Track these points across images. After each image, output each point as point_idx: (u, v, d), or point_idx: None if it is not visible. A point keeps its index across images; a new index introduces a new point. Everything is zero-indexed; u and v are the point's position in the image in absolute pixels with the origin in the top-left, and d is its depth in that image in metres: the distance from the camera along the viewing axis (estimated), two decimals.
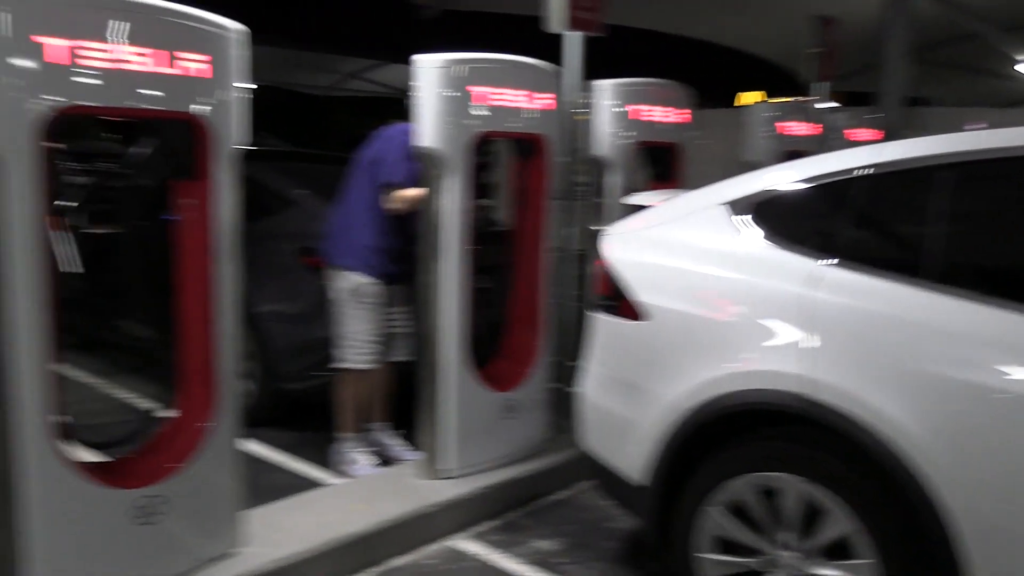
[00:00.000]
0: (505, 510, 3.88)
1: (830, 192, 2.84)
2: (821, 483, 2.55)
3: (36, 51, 2.35)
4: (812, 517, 2.58)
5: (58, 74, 2.40)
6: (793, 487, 2.60)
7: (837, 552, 2.55)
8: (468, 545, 3.60)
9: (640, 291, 2.99)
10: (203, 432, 2.90)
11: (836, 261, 2.65)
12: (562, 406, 4.33)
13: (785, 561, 2.64)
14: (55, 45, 2.37)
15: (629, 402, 3.01)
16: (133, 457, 2.91)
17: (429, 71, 3.51)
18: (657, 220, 3.27)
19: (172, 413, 2.98)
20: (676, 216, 3.20)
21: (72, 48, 2.41)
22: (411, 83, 3.57)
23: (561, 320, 4.38)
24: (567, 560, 3.51)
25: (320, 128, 19.70)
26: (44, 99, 2.39)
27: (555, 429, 4.30)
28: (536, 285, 4.14)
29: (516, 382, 4.06)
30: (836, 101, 7.94)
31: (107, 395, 5.23)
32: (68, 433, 2.64)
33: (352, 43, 13.75)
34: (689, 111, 5.05)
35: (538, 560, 3.49)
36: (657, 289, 2.99)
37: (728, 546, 2.75)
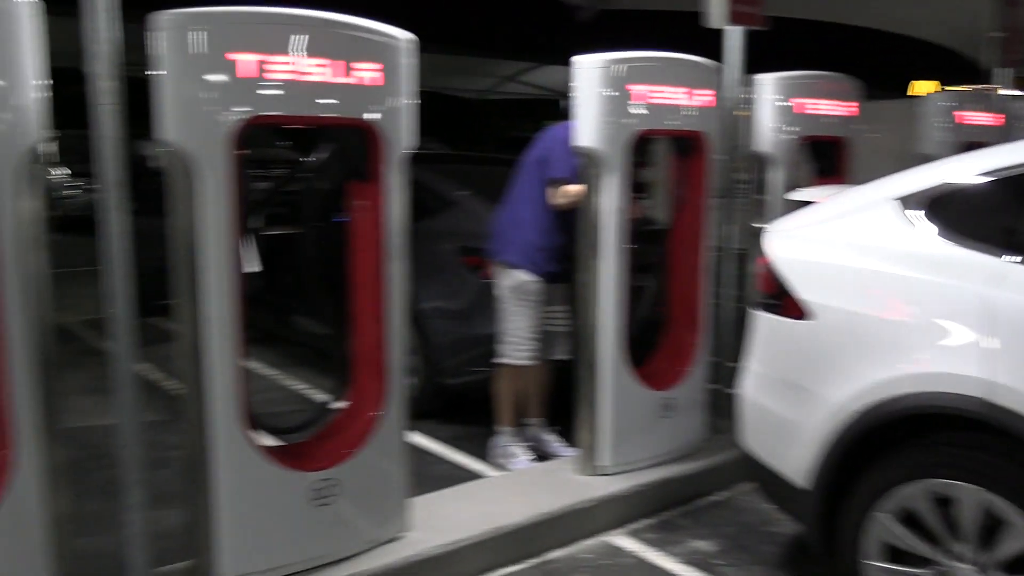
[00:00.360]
0: (661, 509, 3.87)
1: (1014, 185, 2.68)
2: (1002, 493, 2.41)
3: (229, 67, 2.55)
4: (991, 529, 2.45)
5: (247, 87, 2.60)
6: (971, 496, 2.47)
7: (1019, 567, 2.40)
8: (624, 541, 3.62)
9: (804, 289, 2.92)
10: (374, 421, 3.06)
11: (1021, 259, 2.50)
12: (720, 407, 4.27)
13: (960, 574, 2.52)
14: (246, 60, 2.57)
15: (792, 403, 2.95)
16: (311, 442, 3.11)
17: (588, 71, 3.55)
18: (823, 216, 3.17)
19: (345, 403, 3.16)
20: (843, 212, 3.10)
21: (260, 62, 2.61)
22: (570, 84, 3.62)
23: (720, 320, 4.32)
24: (725, 562, 3.46)
25: (476, 131, 20.16)
26: (235, 110, 2.60)
27: (712, 430, 4.25)
28: (695, 284, 4.10)
29: (674, 381, 4.04)
30: (1022, 88, 7.39)
31: (282, 386, 5.58)
32: (253, 419, 2.85)
33: (508, 47, 13.98)
34: (856, 104, 4.86)
35: (695, 560, 3.46)
36: (823, 287, 2.91)
37: (898, 554, 2.65)
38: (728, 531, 3.71)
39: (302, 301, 5.72)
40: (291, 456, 2.94)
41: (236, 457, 2.76)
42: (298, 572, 2.93)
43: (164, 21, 2.50)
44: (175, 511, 2.90)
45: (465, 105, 18.98)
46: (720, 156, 4.11)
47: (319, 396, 5.32)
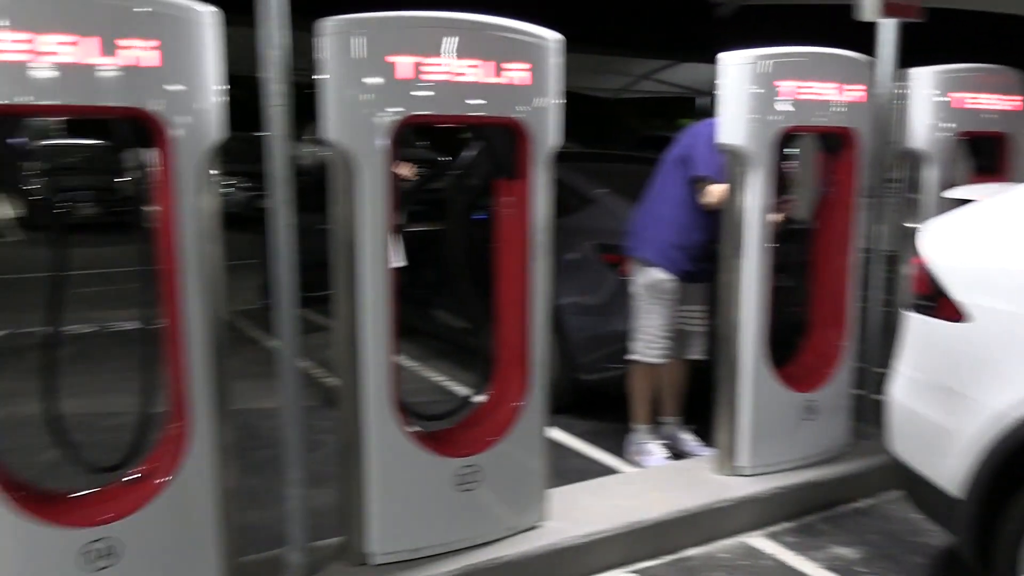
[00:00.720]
0: (802, 513, 3.79)
1: None
2: None
3: (388, 69, 2.68)
4: None
5: (404, 88, 2.73)
6: None
7: None
8: (762, 543, 3.57)
9: (961, 290, 2.81)
10: (516, 411, 3.14)
11: None
12: (865, 412, 4.14)
13: None
14: (404, 63, 2.70)
15: (946, 409, 2.84)
16: (455, 430, 3.22)
17: (734, 68, 3.52)
18: (982, 215, 3.04)
19: (488, 393, 3.26)
20: (1005, 211, 2.96)
21: (416, 64, 2.72)
22: (711, 81, 3.60)
23: (867, 323, 4.19)
24: (869, 570, 3.37)
25: (610, 130, 20.09)
26: (392, 111, 2.73)
27: (857, 435, 4.13)
28: (842, 285, 3.99)
29: (817, 384, 3.95)
30: None
31: (422, 377, 5.76)
32: (402, 406, 2.98)
33: (645, 45, 13.86)
34: (1020, 97, 4.60)
35: (837, 567, 3.38)
36: (981, 288, 2.79)
37: None
38: (873, 539, 3.61)
39: (442, 296, 5.90)
40: (437, 442, 3.05)
41: (387, 442, 2.90)
42: (442, 554, 3.05)
43: (329, 27, 2.65)
44: (325, 491, 3.05)
45: (600, 104, 18.93)
46: (871, 153, 3.98)
47: (457, 388, 5.48)
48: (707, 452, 4.11)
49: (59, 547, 2.43)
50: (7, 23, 2.14)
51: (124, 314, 7.37)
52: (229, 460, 2.69)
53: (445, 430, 3.23)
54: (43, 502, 2.49)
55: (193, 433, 2.59)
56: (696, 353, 4.21)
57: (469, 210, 3.59)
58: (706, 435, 4.11)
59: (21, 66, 2.17)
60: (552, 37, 3.02)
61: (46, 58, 2.19)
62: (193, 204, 2.47)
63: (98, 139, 13.94)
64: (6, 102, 2.17)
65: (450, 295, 5.84)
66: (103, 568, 2.49)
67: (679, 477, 3.86)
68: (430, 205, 5.74)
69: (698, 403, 4.16)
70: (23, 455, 2.47)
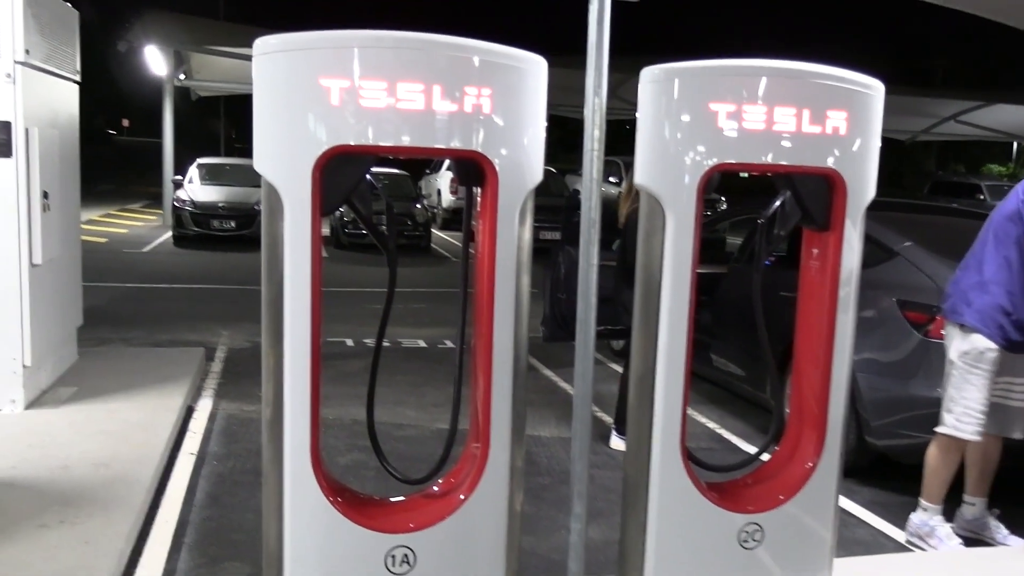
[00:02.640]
0: None
1: None
2: None
3: (705, 116, 2.68)
4: None
5: (717, 135, 2.71)
6: None
7: None
8: None
9: None
10: (808, 472, 3.00)
11: None
12: None
13: None
14: (719, 111, 2.68)
15: None
16: (741, 483, 3.13)
17: None
18: None
19: (778, 449, 3.14)
20: None
21: (731, 112, 2.70)
22: None
23: None
24: None
25: (900, 174, 18.82)
26: (702, 159, 2.71)
27: None
28: None
29: None
30: None
31: (695, 420, 5.67)
32: (688, 453, 2.94)
33: (952, 83, 12.89)
34: None
35: None
36: None
37: None
38: None
39: (720, 340, 5.80)
40: (723, 495, 2.98)
41: (673, 488, 2.86)
42: None
43: (649, 74, 2.71)
44: (592, 525, 3.04)
45: (892, 146, 17.81)
46: None
47: (728, 435, 5.34)
48: (1017, 541, 3.69)
49: (371, 548, 2.64)
50: (371, 74, 2.39)
51: (413, 332, 7.95)
52: (519, 484, 2.79)
53: (731, 483, 3.15)
54: (357, 506, 2.72)
55: (491, 454, 2.71)
56: (1019, 432, 3.78)
57: (760, 257, 3.49)
58: (1012, 522, 3.69)
59: (379, 112, 2.41)
60: (873, 84, 2.88)
61: (402, 104, 2.41)
62: (514, 237, 2.60)
63: (397, 169, 15.27)
64: (367, 143, 2.42)
65: (728, 340, 5.74)
66: (403, 574, 2.67)
67: (985, 564, 3.52)
68: (705, 247, 5.68)
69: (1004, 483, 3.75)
70: (328, 455, 2.69)
